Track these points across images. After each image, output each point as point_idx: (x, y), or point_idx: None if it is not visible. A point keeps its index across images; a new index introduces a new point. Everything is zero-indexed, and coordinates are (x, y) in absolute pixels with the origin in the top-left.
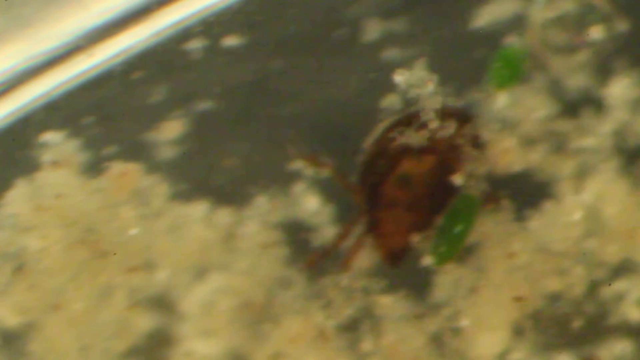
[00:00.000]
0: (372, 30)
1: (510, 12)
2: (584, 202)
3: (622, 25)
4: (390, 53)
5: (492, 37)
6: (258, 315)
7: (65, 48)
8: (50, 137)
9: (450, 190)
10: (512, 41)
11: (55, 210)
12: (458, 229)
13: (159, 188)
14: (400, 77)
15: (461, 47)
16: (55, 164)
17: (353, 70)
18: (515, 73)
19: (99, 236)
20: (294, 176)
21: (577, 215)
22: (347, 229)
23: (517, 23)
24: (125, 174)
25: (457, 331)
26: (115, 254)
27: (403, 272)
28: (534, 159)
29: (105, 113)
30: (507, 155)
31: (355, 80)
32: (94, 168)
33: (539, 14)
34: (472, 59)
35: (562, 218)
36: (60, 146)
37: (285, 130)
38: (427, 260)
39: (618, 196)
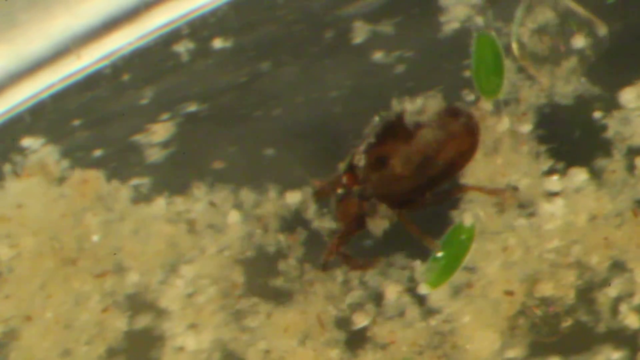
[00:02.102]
0: (360, 32)
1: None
2: None
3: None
4: (378, 55)
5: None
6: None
7: (53, 50)
8: (33, 141)
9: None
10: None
11: (16, 220)
12: (452, 258)
13: (119, 194)
14: None
15: (446, 50)
16: (15, 173)
17: (341, 72)
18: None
19: (64, 244)
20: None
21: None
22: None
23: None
24: (86, 180)
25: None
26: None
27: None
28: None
29: (93, 115)
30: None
31: (343, 82)
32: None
33: (521, 27)
34: (457, 62)
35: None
36: (45, 149)
37: (273, 132)
38: (423, 288)
39: None
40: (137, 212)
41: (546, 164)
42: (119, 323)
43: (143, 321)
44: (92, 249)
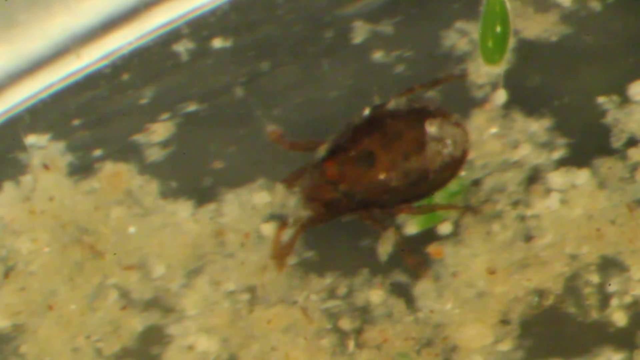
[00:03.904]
0: (360, 32)
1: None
2: None
3: None
4: (378, 55)
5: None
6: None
7: (53, 50)
8: (37, 139)
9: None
10: None
11: (49, 213)
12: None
13: (149, 188)
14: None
15: (446, 49)
16: (45, 166)
17: (341, 72)
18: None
19: (95, 237)
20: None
21: None
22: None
23: None
24: (117, 174)
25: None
26: (114, 253)
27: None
28: None
29: (93, 115)
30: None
31: (343, 82)
32: (84, 170)
33: None
34: (457, 61)
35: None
36: (47, 148)
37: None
38: (410, 229)
39: None
40: (165, 207)
41: (544, 155)
42: (136, 322)
43: (153, 320)
44: (122, 242)
